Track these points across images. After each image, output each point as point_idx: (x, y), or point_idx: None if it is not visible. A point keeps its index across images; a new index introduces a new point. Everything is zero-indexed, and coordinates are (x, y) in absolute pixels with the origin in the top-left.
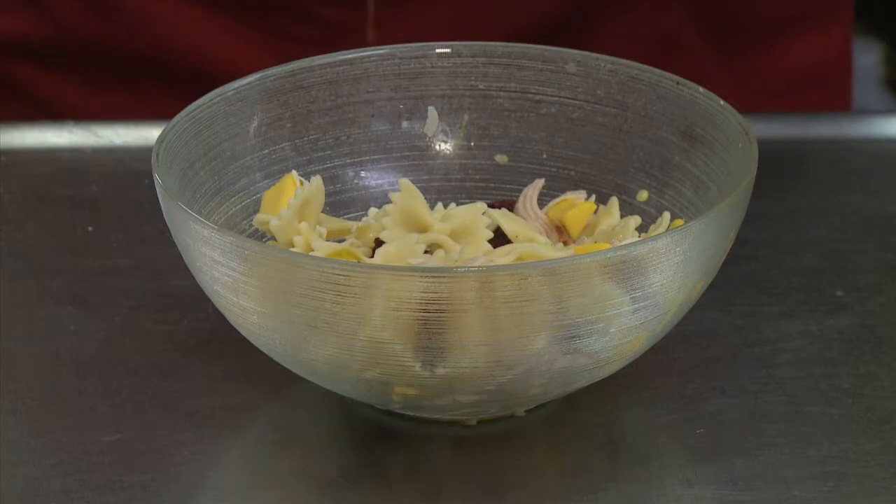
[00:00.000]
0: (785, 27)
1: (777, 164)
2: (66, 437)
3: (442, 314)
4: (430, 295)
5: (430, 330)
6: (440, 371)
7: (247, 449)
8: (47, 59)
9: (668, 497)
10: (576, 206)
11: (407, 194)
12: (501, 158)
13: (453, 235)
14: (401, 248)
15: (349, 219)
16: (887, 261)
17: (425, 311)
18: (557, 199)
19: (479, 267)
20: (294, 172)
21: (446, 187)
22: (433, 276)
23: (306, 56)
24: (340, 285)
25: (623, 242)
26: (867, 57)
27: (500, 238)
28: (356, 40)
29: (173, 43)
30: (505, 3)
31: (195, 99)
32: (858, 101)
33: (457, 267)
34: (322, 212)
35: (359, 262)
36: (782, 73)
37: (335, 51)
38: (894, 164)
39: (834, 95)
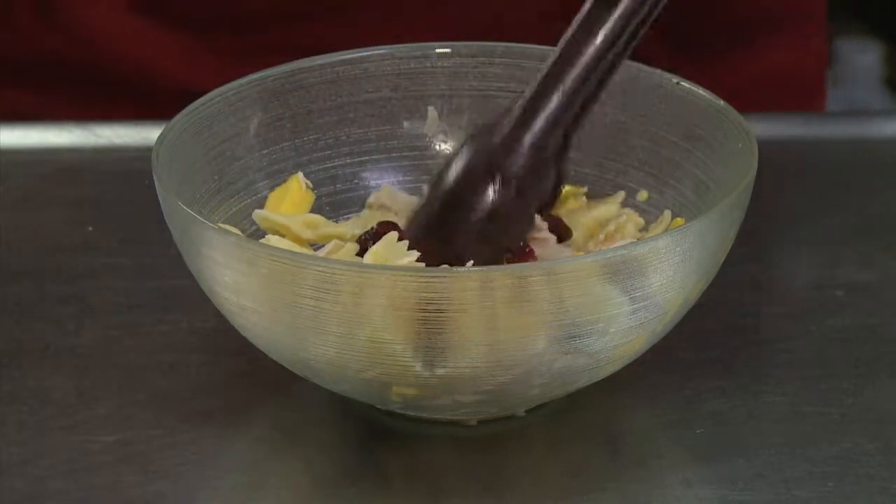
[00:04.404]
0: (755, 32)
1: (777, 164)
2: (66, 437)
3: (442, 314)
4: (431, 295)
5: (430, 330)
6: (440, 371)
7: (247, 449)
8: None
9: (668, 497)
10: (565, 200)
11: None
12: None
13: None
14: (387, 248)
15: (348, 219)
16: (887, 261)
17: (425, 311)
18: None
19: (479, 267)
20: (300, 174)
21: None
22: (434, 277)
23: (256, 71)
24: (341, 285)
25: (622, 242)
26: (867, 57)
27: None
28: (305, 55)
29: (124, 57)
30: (457, 15)
31: (146, 112)
32: (858, 101)
33: (457, 267)
34: (321, 213)
35: (359, 262)
36: (753, 77)
37: (270, 64)
38: (894, 164)
39: (808, 99)
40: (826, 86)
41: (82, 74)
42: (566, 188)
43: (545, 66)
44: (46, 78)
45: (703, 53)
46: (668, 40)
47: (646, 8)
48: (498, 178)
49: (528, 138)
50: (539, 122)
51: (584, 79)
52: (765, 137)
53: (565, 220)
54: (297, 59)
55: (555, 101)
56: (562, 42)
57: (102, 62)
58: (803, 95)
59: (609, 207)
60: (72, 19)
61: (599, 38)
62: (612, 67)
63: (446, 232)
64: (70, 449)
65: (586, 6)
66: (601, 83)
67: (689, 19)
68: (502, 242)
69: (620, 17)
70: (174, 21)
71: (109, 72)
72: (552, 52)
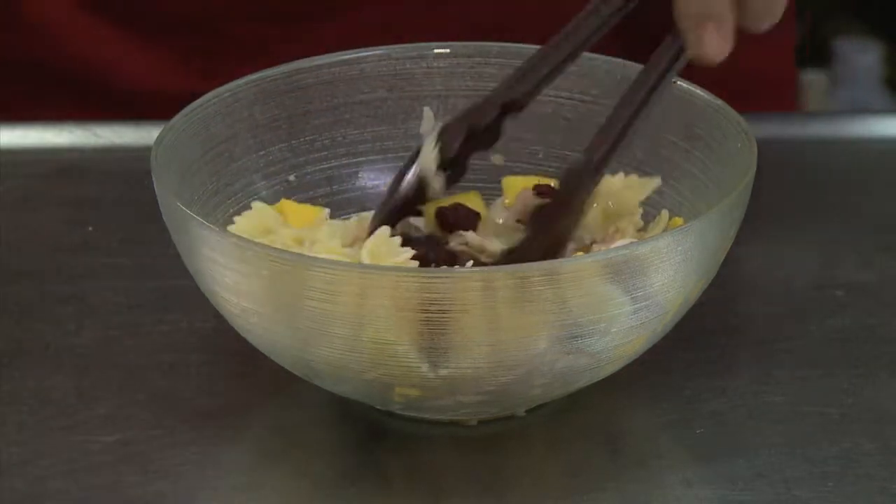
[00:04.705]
0: None
1: (777, 164)
2: (66, 437)
3: (444, 315)
4: (433, 296)
5: (433, 331)
6: (442, 372)
7: (247, 449)
8: None
9: (668, 497)
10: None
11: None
12: (497, 159)
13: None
14: (382, 244)
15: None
16: (887, 261)
17: (428, 311)
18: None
19: (480, 268)
20: (327, 213)
21: None
22: (436, 277)
23: (215, 71)
24: (343, 287)
25: (622, 242)
26: (867, 57)
27: None
28: (266, 55)
29: (80, 57)
30: (427, 12)
31: (101, 112)
32: (858, 101)
33: (460, 268)
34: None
35: (361, 264)
36: (723, 83)
37: (245, 66)
38: (895, 164)
39: (780, 100)
40: (798, 85)
41: (39, 74)
42: None
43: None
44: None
45: None
46: (625, 44)
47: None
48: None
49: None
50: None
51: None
52: (765, 137)
53: None
54: (296, 59)
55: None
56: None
57: (61, 62)
58: (776, 96)
59: (633, 194)
60: (27, 18)
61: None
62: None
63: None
64: (70, 449)
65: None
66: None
67: (655, 28)
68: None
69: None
70: (134, 22)
71: (69, 72)
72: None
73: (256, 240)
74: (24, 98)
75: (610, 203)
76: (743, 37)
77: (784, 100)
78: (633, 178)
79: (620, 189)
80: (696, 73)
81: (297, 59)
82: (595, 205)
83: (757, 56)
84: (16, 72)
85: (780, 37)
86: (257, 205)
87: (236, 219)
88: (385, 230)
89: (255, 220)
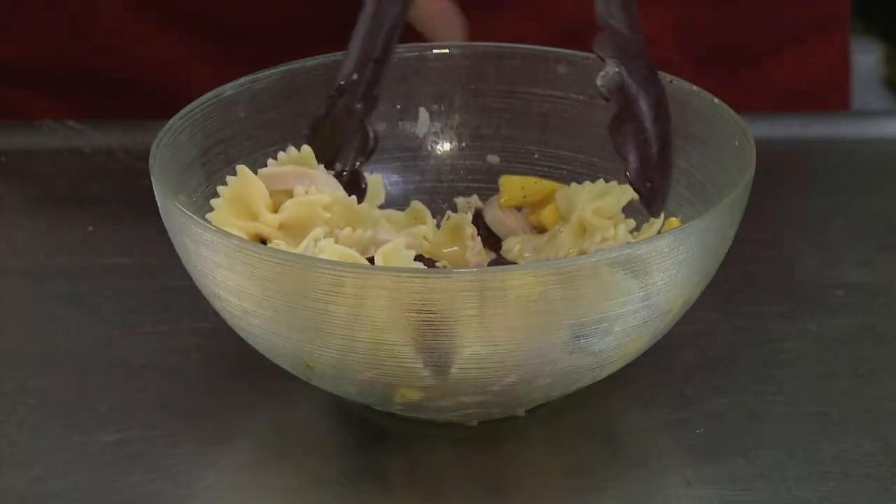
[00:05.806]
0: (782, 41)
1: (777, 164)
2: (66, 437)
3: (446, 315)
4: (436, 296)
5: (436, 332)
6: (443, 373)
7: (247, 449)
8: (25, 80)
9: (668, 497)
10: (545, 204)
11: (242, 181)
12: (493, 158)
13: (287, 228)
14: (395, 252)
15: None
16: (887, 261)
17: (430, 312)
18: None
19: (482, 268)
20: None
21: (438, 188)
22: (438, 278)
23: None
24: (344, 288)
25: (618, 243)
26: (867, 57)
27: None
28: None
29: (144, 66)
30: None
31: (164, 118)
32: (858, 101)
33: (462, 269)
34: None
35: (365, 264)
36: (779, 86)
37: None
38: (894, 164)
39: (832, 105)
40: (850, 90)
41: (90, 77)
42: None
43: None
44: (50, 79)
45: (727, 65)
46: (695, 53)
47: None
48: None
49: None
50: None
51: None
52: (765, 137)
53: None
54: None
55: None
56: None
57: (127, 72)
58: (828, 104)
59: (613, 200)
60: (85, 22)
61: None
62: None
63: None
64: (70, 449)
65: None
66: None
67: (714, 33)
68: None
69: None
70: (196, 31)
71: (134, 82)
72: None
73: (243, 227)
74: (78, 106)
75: (588, 210)
76: (797, 45)
77: (836, 105)
78: (613, 184)
79: (599, 194)
80: (737, 83)
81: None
82: (573, 216)
83: (812, 59)
84: (71, 78)
85: (832, 38)
86: (243, 170)
87: (218, 191)
88: (401, 241)
89: (238, 198)
